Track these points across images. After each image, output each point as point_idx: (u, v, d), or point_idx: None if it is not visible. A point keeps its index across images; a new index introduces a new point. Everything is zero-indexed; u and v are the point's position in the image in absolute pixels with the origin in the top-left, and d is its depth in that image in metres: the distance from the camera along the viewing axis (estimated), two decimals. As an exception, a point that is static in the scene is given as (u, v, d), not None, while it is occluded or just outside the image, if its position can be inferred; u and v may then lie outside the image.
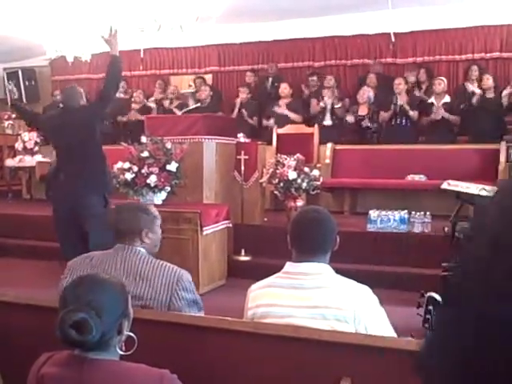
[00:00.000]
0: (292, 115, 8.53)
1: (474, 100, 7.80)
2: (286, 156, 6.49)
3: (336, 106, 8.41)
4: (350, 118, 8.34)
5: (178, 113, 8.54)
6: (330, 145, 8.06)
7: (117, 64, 5.07)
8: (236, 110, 8.89)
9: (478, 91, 7.81)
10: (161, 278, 2.47)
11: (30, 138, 9.27)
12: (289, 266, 2.25)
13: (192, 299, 2.54)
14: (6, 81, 11.31)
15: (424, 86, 8.59)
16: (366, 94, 8.34)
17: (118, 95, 10.15)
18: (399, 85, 8.06)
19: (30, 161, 9.16)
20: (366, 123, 8.19)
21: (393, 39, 8.75)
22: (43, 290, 4.78)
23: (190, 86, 10.23)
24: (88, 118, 4.99)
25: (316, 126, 8.18)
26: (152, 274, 2.47)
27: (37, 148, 9.23)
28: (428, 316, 3.51)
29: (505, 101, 7.64)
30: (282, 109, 8.56)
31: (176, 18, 7.63)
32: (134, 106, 9.58)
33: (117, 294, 1.63)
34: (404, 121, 7.95)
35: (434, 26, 9.09)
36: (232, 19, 8.84)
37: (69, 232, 4.95)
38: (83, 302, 1.52)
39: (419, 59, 9.29)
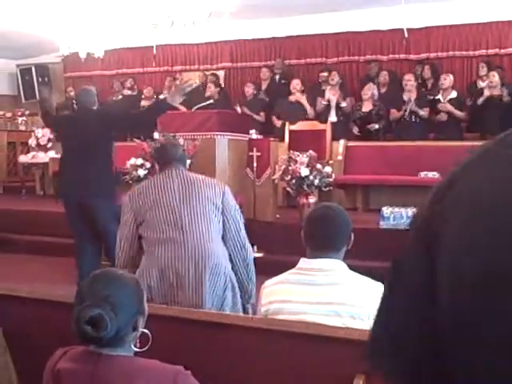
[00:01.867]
0: (307, 105, 8.44)
1: (481, 99, 7.74)
2: (298, 153, 6.48)
3: (342, 105, 8.37)
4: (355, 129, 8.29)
5: (183, 108, 8.49)
6: (342, 141, 8.03)
7: (161, 111, 5.06)
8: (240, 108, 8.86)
9: (486, 93, 7.76)
10: None
11: (43, 134, 9.31)
12: (302, 263, 2.25)
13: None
14: (20, 78, 11.38)
15: (429, 83, 8.53)
16: (370, 90, 8.29)
17: (125, 92, 10.18)
18: (409, 81, 8.01)
19: (43, 157, 9.20)
20: (375, 126, 8.14)
21: (406, 35, 8.70)
22: (57, 286, 4.83)
23: (195, 82, 10.18)
24: (99, 125, 4.89)
25: (329, 122, 8.16)
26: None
27: (50, 144, 9.27)
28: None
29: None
30: (296, 97, 8.49)
31: (189, 14, 7.64)
32: (144, 102, 9.57)
33: (132, 290, 1.63)
34: (414, 118, 7.92)
35: (447, 22, 9.04)
36: (244, 15, 8.84)
37: (82, 229, 4.97)
38: (99, 298, 1.53)
39: (432, 55, 9.24)
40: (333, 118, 8.38)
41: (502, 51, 8.90)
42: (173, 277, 2.90)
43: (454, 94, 7.92)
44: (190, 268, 2.91)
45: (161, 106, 5.11)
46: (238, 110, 8.76)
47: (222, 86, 9.93)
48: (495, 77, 7.73)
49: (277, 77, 9.54)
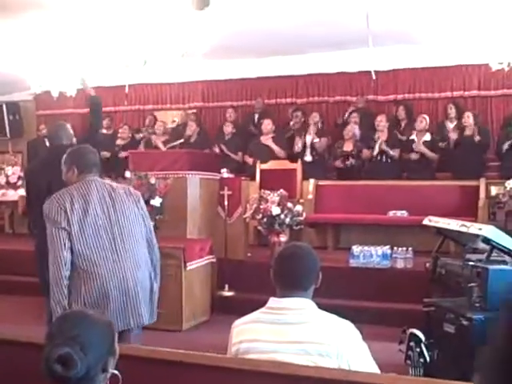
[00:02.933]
0: (276, 148, 8.58)
1: (452, 139, 7.95)
2: (269, 191, 6.55)
3: (315, 141, 8.51)
4: (338, 163, 8.40)
5: (163, 148, 8.59)
6: (312, 180, 8.14)
7: (95, 109, 5.11)
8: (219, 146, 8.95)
9: (453, 136, 7.98)
10: None
11: (13, 172, 9.25)
12: (272, 302, 2.28)
13: None
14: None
15: (403, 124, 8.74)
16: (352, 131, 8.46)
17: (101, 131, 10.21)
18: (381, 122, 8.20)
19: (12, 195, 9.13)
20: (350, 161, 8.28)
21: (374, 77, 8.91)
22: (25, 326, 4.75)
23: (173, 121, 10.30)
24: None
25: (299, 161, 8.27)
26: None
27: (20, 182, 9.20)
28: (410, 352, 3.54)
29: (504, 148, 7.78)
30: (266, 139, 8.61)
31: (161, 54, 7.74)
32: (119, 141, 9.58)
33: (103, 330, 1.64)
34: (385, 158, 8.07)
35: (413, 65, 9.31)
36: (216, 56, 8.98)
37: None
38: (68, 337, 1.54)
39: (400, 96, 9.48)
40: (308, 157, 8.49)
41: (466, 93, 9.18)
42: (111, 294, 3.14)
43: (427, 137, 8.09)
44: (125, 288, 3.18)
45: (92, 102, 5.14)
46: (217, 150, 8.84)
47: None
48: (469, 118, 7.94)
49: (256, 116, 9.65)
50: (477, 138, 7.75)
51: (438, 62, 9.19)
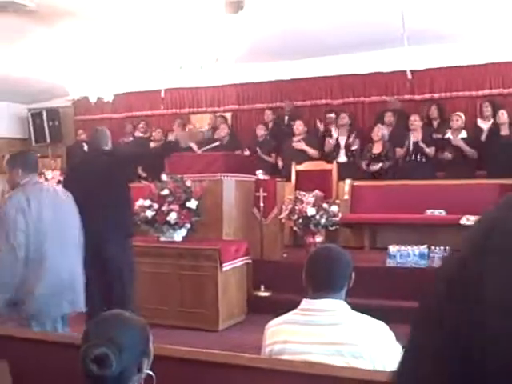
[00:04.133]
0: (309, 150, 8.60)
1: (483, 137, 7.82)
2: (304, 192, 6.55)
3: (353, 148, 8.48)
4: (366, 167, 8.36)
5: (196, 148, 8.64)
6: (348, 181, 8.11)
7: (169, 152, 5.18)
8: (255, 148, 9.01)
9: (485, 128, 7.84)
10: None
11: (52, 176, 9.43)
12: (304, 303, 2.29)
13: None
14: (31, 121, 11.60)
15: (436, 123, 8.64)
16: (381, 131, 8.41)
17: (137, 134, 10.38)
18: (414, 121, 8.14)
19: (52, 199, 9.31)
20: (379, 164, 8.22)
21: (409, 76, 8.83)
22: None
23: (208, 124, 10.39)
24: (110, 165, 4.85)
25: (334, 162, 8.25)
26: None
27: (60, 186, 9.39)
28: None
29: None
30: (299, 143, 8.65)
31: (196, 59, 7.82)
32: (153, 144, 9.73)
33: (139, 332, 1.68)
34: (419, 157, 8.00)
35: (449, 63, 9.19)
36: (250, 59, 9.02)
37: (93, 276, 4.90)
38: (105, 338, 1.58)
39: (436, 95, 9.36)
40: (342, 158, 8.48)
41: (505, 91, 9.02)
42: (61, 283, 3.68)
43: (464, 134, 8.00)
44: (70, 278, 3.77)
45: (170, 147, 5.19)
46: (246, 153, 8.89)
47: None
48: (504, 115, 7.82)
49: (286, 118, 9.68)
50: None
51: (474, 60, 9.05)
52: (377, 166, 8.25)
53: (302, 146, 8.62)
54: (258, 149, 8.98)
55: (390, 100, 9.38)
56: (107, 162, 4.86)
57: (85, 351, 1.56)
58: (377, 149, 8.34)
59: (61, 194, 3.91)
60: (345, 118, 8.87)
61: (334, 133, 8.70)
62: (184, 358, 2.20)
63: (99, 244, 4.67)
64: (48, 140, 11.49)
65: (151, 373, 1.71)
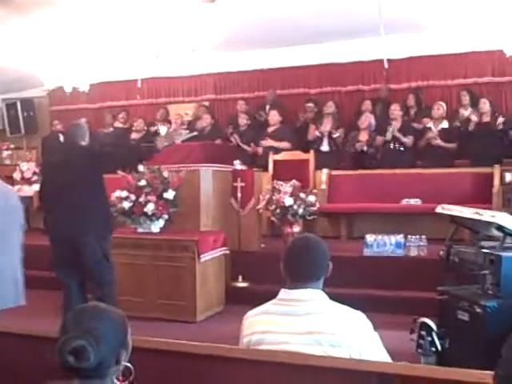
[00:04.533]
0: (279, 145, 8.59)
1: (471, 126, 7.88)
2: (282, 182, 6.56)
3: (334, 136, 8.48)
4: (358, 146, 8.35)
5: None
6: (325, 170, 8.14)
7: (147, 155, 5.12)
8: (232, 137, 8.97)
9: (474, 118, 7.89)
10: None
11: (28, 168, 9.33)
12: (283, 293, 2.29)
13: None
14: (5, 112, 11.42)
15: (413, 112, 8.70)
16: (368, 120, 8.44)
17: (116, 124, 10.29)
18: (395, 110, 8.18)
19: (27, 190, 9.20)
20: (364, 147, 8.25)
21: (386, 65, 8.86)
22: (41, 320, 4.81)
23: (186, 114, 10.33)
24: (86, 163, 4.73)
25: (312, 151, 8.26)
26: None
27: (35, 177, 9.29)
28: (421, 341, 3.55)
29: (500, 128, 7.74)
30: (267, 142, 8.63)
31: (173, 48, 7.76)
32: (134, 135, 9.64)
33: (117, 323, 1.67)
34: (398, 145, 8.05)
35: (426, 52, 9.24)
36: (228, 48, 8.98)
37: (69, 268, 4.87)
38: (82, 330, 1.57)
39: (413, 84, 9.41)
40: (325, 147, 8.49)
41: (480, 80, 9.10)
42: None
43: (445, 124, 8.08)
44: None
45: (147, 149, 5.13)
46: (234, 139, 8.83)
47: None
48: (486, 104, 7.89)
49: (267, 107, 9.64)
50: (500, 122, 7.67)
51: (451, 49, 9.11)
52: (361, 147, 8.24)
53: (270, 143, 8.60)
54: (237, 137, 8.90)
55: (381, 88, 9.40)
56: (83, 158, 4.75)
57: (62, 343, 1.54)
58: (363, 137, 8.37)
59: (9, 192, 4.10)
60: (331, 107, 8.85)
61: (325, 123, 8.62)
62: (162, 349, 2.19)
63: (74, 238, 4.65)
64: (23, 131, 11.33)
65: (129, 365, 1.70)
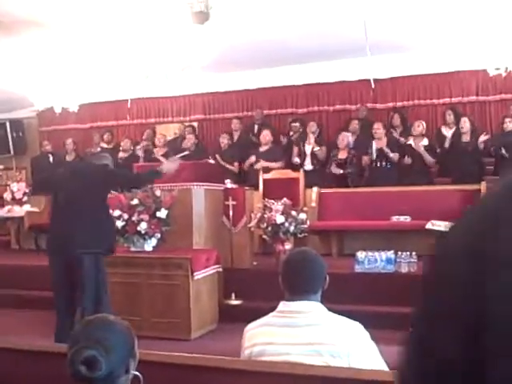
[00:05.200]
0: (270, 164, 8.69)
1: (447, 144, 8.04)
2: (273, 200, 6.62)
3: (315, 149, 8.61)
4: (334, 170, 8.49)
5: (164, 161, 8.68)
6: (315, 188, 8.22)
7: (156, 177, 5.26)
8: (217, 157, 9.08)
9: (449, 135, 8.06)
10: None
11: (18, 188, 9.34)
12: (282, 306, 2.35)
13: None
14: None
15: (398, 131, 8.86)
16: (346, 139, 8.59)
17: (102, 145, 10.34)
18: (378, 129, 8.33)
19: (18, 211, 9.21)
20: (340, 170, 8.39)
21: (373, 85, 9.02)
22: (35, 339, 4.81)
23: (175, 133, 10.42)
24: (102, 179, 4.93)
25: (301, 170, 8.36)
26: None
27: (26, 198, 9.30)
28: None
29: (481, 147, 7.89)
30: (260, 163, 8.72)
31: (163, 69, 7.84)
32: (121, 154, 9.70)
33: (124, 334, 1.72)
34: (385, 163, 8.18)
35: (412, 72, 9.42)
36: (217, 68, 9.08)
37: (63, 284, 4.92)
38: (93, 340, 1.61)
39: (399, 104, 9.57)
40: (308, 166, 8.60)
41: (465, 99, 9.28)
42: None
43: (425, 142, 8.22)
44: None
45: (155, 175, 5.30)
46: (211, 161, 8.93)
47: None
48: (466, 123, 8.04)
49: (256, 127, 9.76)
50: (473, 143, 7.84)
51: (436, 69, 9.29)
52: (339, 171, 8.39)
53: (263, 164, 8.70)
54: (218, 157, 9.01)
55: (357, 108, 9.56)
56: (98, 173, 4.94)
57: (74, 354, 1.59)
58: (342, 155, 8.50)
59: None
60: (313, 126, 9.00)
61: (307, 142, 8.76)
62: (166, 362, 2.23)
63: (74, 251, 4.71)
64: (12, 152, 11.34)
65: (138, 373, 1.74)
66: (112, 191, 5.16)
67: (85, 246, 4.72)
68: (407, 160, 8.11)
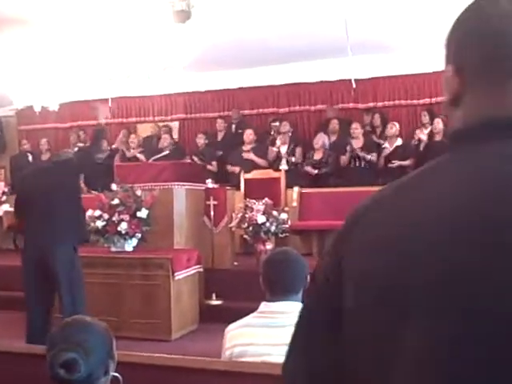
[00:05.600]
0: (258, 160, 8.71)
1: (421, 146, 8.11)
2: (254, 200, 6.62)
3: (293, 157, 8.66)
4: (309, 170, 8.53)
5: (143, 158, 8.70)
6: (296, 188, 8.24)
7: (99, 135, 5.29)
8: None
9: (423, 138, 8.13)
10: None
11: (-3, 187, 9.23)
12: (263, 306, 2.34)
13: None
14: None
15: (378, 131, 8.91)
16: (321, 140, 8.63)
17: (79, 145, 10.24)
18: (356, 129, 8.38)
19: (-4, 211, 9.11)
20: (315, 171, 8.44)
21: (354, 85, 9.05)
22: (11, 341, 4.76)
23: (151, 132, 10.38)
24: (65, 171, 5.02)
25: (283, 170, 8.37)
26: None
27: (4, 197, 9.19)
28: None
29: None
30: (248, 154, 8.74)
31: (144, 68, 7.81)
32: (100, 154, 9.61)
33: (103, 335, 1.71)
34: (362, 163, 8.23)
35: (393, 72, 9.46)
36: (198, 68, 9.05)
37: (36, 283, 4.89)
38: (72, 342, 1.60)
39: (379, 104, 9.62)
40: (284, 166, 8.62)
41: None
42: None
43: (399, 142, 8.30)
44: None
45: (99, 132, 5.33)
46: (195, 159, 8.92)
47: (176, 137, 10.16)
48: (439, 123, 8.11)
49: (233, 126, 9.76)
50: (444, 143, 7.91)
51: (417, 70, 9.34)
52: (314, 171, 8.42)
53: (251, 156, 8.72)
54: (195, 157, 8.99)
55: (327, 109, 9.59)
56: (61, 167, 4.99)
57: (53, 357, 1.57)
58: (317, 155, 8.54)
59: None
60: (286, 126, 9.04)
61: (278, 141, 8.81)
62: (145, 363, 2.22)
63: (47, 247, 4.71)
64: (-8, 150, 11.21)
65: (117, 375, 1.73)
66: (81, 179, 5.15)
67: (58, 239, 4.75)
68: (393, 164, 8.14)
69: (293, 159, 8.70)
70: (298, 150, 8.84)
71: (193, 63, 7.79)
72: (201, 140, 9.32)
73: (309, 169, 8.51)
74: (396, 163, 8.09)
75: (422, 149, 8.07)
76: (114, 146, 9.63)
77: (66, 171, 5.02)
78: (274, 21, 7.60)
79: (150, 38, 7.31)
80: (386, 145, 8.34)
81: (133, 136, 9.81)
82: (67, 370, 1.55)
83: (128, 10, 6.74)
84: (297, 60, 9.42)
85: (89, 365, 1.59)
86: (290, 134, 9.08)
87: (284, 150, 8.76)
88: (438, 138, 8.09)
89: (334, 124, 9.06)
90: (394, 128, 8.36)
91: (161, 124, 10.44)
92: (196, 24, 6.87)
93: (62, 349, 1.58)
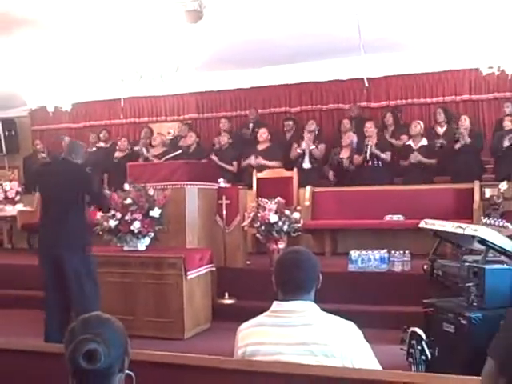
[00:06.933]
0: (269, 163, 8.68)
1: (445, 142, 8.05)
2: (266, 199, 6.61)
3: (311, 147, 8.61)
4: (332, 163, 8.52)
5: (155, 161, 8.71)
6: (308, 187, 8.23)
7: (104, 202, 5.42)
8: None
9: (440, 134, 8.08)
10: None
11: (11, 187, 9.30)
12: (276, 305, 2.34)
13: None
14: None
15: (390, 130, 8.85)
16: (350, 138, 8.58)
17: (98, 144, 10.26)
18: (369, 128, 8.33)
19: (11, 210, 9.17)
20: (347, 164, 8.44)
21: (366, 84, 9.02)
22: (29, 339, 4.79)
23: (168, 133, 10.36)
24: (78, 181, 5.02)
25: (295, 169, 8.36)
26: None
27: (18, 197, 9.26)
28: (411, 350, 3.61)
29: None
30: (258, 160, 8.70)
31: (156, 68, 7.82)
32: (118, 154, 9.65)
33: (120, 331, 1.71)
34: (376, 163, 8.18)
35: (405, 71, 9.43)
36: (210, 67, 9.06)
37: (53, 283, 4.94)
38: (93, 333, 1.60)
39: (392, 102, 9.58)
40: (306, 164, 8.59)
41: (458, 98, 9.30)
42: None
43: (424, 141, 8.22)
44: None
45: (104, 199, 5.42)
46: (214, 158, 8.87)
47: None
48: (466, 121, 8.05)
49: (251, 125, 9.74)
50: (467, 140, 7.85)
51: (429, 68, 9.31)
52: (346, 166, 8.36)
53: (262, 161, 8.68)
54: (215, 157, 8.93)
55: (350, 107, 9.56)
56: (74, 173, 5.00)
57: (74, 348, 1.58)
58: (344, 154, 8.52)
59: None
60: (312, 125, 8.98)
61: (304, 143, 8.73)
62: (158, 361, 2.22)
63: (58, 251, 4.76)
64: (4, 151, 11.29)
65: (131, 373, 1.73)
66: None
67: (68, 244, 4.80)
68: (412, 159, 8.08)
69: (312, 147, 8.62)
70: (321, 148, 8.78)
71: (205, 63, 7.80)
72: (224, 138, 9.26)
73: (331, 175, 8.46)
74: (418, 158, 8.02)
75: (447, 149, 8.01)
76: (136, 148, 9.58)
77: (80, 175, 5.05)
78: (285, 20, 7.58)
79: (162, 38, 7.32)
80: (410, 142, 8.27)
81: (156, 135, 9.74)
82: (89, 360, 1.56)
83: (140, 11, 6.76)
84: (309, 59, 9.41)
85: (109, 356, 1.59)
86: (317, 133, 9.03)
87: (306, 148, 8.68)
88: (465, 134, 7.95)
89: (345, 123, 9.03)
90: (418, 126, 8.29)
91: (184, 122, 10.42)
92: (208, 24, 6.88)
93: (83, 339, 1.58)
